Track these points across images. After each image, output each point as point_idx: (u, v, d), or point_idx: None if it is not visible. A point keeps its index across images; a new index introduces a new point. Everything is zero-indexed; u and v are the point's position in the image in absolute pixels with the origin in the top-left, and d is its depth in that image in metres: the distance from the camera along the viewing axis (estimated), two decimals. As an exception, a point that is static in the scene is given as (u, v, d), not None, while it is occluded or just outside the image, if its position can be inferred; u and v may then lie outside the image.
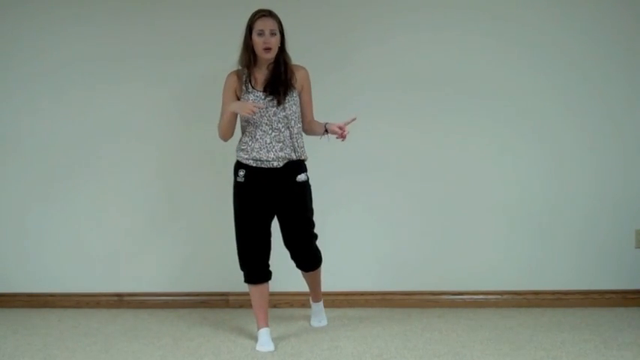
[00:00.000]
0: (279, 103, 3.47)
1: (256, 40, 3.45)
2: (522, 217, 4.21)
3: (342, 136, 3.50)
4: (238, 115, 3.54)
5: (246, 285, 3.58)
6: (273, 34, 3.45)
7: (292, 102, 3.52)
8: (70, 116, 4.38)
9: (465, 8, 4.19)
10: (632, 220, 4.18)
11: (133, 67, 4.34)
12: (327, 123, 3.57)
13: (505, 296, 4.22)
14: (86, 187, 4.39)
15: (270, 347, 3.46)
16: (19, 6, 4.38)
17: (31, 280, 4.44)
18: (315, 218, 3.64)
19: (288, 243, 3.61)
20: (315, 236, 3.65)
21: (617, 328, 3.72)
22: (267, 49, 3.44)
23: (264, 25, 3.44)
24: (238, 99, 3.53)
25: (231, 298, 4.31)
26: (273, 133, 3.50)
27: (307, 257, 3.66)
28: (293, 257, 3.65)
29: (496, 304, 4.20)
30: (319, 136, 3.62)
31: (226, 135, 3.56)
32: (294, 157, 3.53)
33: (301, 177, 3.56)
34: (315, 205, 3.65)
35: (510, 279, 4.22)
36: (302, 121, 3.62)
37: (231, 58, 3.56)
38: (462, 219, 4.23)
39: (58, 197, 4.40)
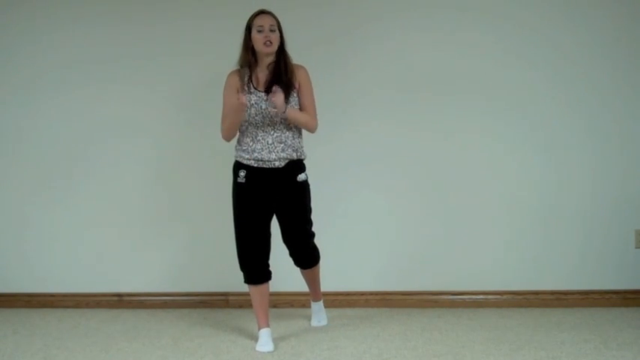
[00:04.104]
0: None
1: (256, 36, 3.46)
2: (522, 217, 4.21)
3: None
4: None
5: (246, 285, 3.58)
6: (272, 30, 3.47)
7: (294, 102, 3.52)
8: (69, 116, 4.38)
9: (465, 8, 4.18)
10: (632, 220, 4.17)
11: (133, 67, 4.34)
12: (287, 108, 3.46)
13: (505, 296, 4.22)
14: (86, 187, 4.39)
15: (270, 348, 3.46)
16: (19, 6, 4.39)
17: (31, 280, 4.44)
18: (315, 218, 3.65)
19: (286, 240, 3.61)
20: (313, 234, 3.66)
21: (617, 328, 3.71)
22: (268, 43, 3.45)
23: (264, 21, 3.46)
24: (240, 98, 3.54)
25: (231, 298, 4.31)
26: (275, 134, 3.50)
27: (305, 254, 3.67)
28: (291, 254, 3.66)
29: (496, 304, 4.20)
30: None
31: (230, 136, 3.57)
32: (295, 157, 3.53)
33: (301, 176, 3.57)
34: (315, 205, 3.65)
35: (510, 279, 4.22)
36: None
37: (231, 57, 3.57)
38: (461, 219, 4.23)
39: (58, 197, 4.40)
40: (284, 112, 3.43)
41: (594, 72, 4.16)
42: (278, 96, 3.38)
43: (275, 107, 3.40)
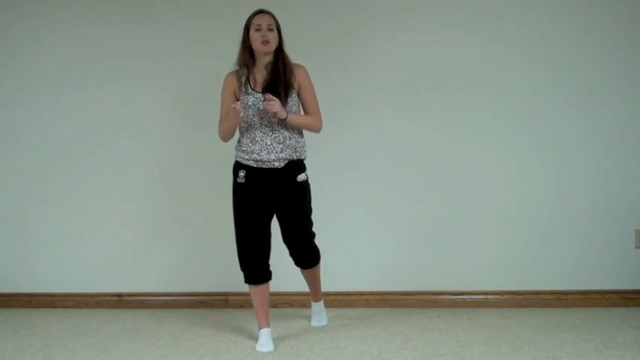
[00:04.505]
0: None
1: (254, 35, 3.46)
2: (522, 217, 4.21)
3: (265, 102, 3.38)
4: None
5: (246, 285, 3.57)
6: (270, 29, 3.46)
7: (292, 103, 3.51)
8: (70, 116, 4.39)
9: (466, 8, 4.19)
10: (632, 220, 4.17)
11: (133, 67, 4.34)
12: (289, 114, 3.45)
13: (505, 296, 4.22)
14: (86, 187, 4.39)
15: (270, 348, 3.45)
16: (19, 6, 4.39)
17: (31, 280, 4.44)
18: (315, 218, 3.65)
19: (287, 241, 3.61)
20: (313, 234, 3.66)
21: (617, 328, 3.71)
22: (266, 42, 3.44)
23: (262, 20, 3.46)
24: (237, 99, 3.53)
25: (231, 298, 4.31)
26: (274, 135, 3.49)
27: (305, 254, 3.66)
28: (291, 254, 3.66)
29: (496, 304, 4.20)
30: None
31: (227, 138, 3.57)
32: (294, 157, 3.53)
33: (301, 177, 3.56)
34: (315, 205, 3.65)
35: (510, 279, 4.22)
36: None
37: (232, 57, 3.56)
38: (462, 219, 4.23)
39: (58, 197, 4.40)
40: (285, 119, 3.43)
41: (594, 72, 4.16)
42: (274, 104, 3.37)
43: (274, 115, 3.40)
